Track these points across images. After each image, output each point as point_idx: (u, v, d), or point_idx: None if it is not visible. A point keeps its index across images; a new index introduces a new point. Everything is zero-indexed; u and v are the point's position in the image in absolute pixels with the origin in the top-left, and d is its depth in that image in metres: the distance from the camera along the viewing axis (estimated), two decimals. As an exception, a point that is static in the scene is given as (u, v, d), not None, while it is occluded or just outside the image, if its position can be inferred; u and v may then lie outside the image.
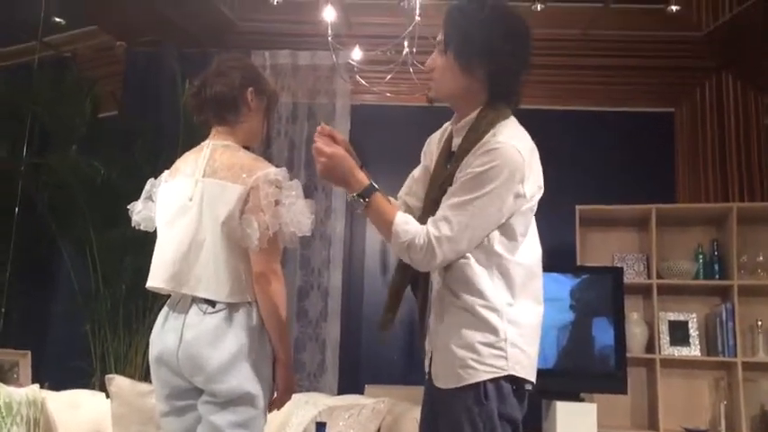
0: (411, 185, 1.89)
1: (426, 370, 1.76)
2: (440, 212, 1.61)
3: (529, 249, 1.70)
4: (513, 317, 1.63)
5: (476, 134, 1.65)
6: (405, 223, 1.62)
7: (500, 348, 1.60)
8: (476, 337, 1.61)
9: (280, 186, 1.89)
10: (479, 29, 1.64)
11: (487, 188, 1.57)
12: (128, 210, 2.14)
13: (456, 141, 1.74)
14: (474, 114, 1.69)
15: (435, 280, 1.73)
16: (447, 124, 1.85)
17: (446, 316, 1.67)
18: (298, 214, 1.89)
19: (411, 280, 1.79)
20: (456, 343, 1.63)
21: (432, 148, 1.88)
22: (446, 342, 1.65)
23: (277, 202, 1.87)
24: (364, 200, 1.63)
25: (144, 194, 2.12)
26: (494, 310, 1.62)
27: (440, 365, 1.68)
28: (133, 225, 2.11)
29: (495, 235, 1.64)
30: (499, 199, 1.59)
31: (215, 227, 1.87)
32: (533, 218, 1.72)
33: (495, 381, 1.60)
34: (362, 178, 1.66)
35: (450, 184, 1.65)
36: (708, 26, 4.34)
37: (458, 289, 1.65)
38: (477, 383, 1.59)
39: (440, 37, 1.71)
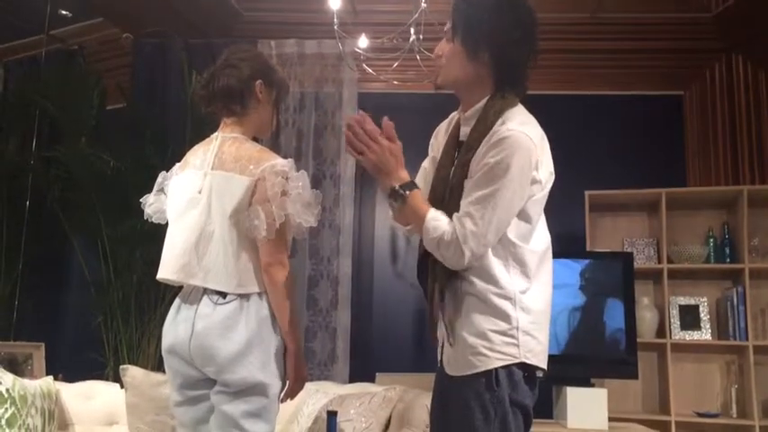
0: (425, 177, 1.87)
1: (439, 358, 1.76)
2: (462, 209, 1.62)
3: (540, 235, 1.71)
4: (525, 304, 1.63)
5: (484, 124, 1.66)
6: (435, 219, 1.62)
7: (512, 336, 1.61)
8: (488, 324, 1.61)
9: (286, 177, 1.90)
10: (487, 16, 1.66)
11: (505, 178, 1.58)
12: (138, 201, 2.17)
13: (464, 130, 1.74)
14: (482, 103, 1.70)
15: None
16: (454, 114, 1.84)
17: (459, 304, 1.67)
18: (304, 205, 1.90)
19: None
20: (468, 330, 1.63)
21: (439, 139, 1.88)
22: (458, 330, 1.66)
23: (284, 193, 1.88)
24: (405, 192, 1.64)
25: (156, 187, 2.14)
26: (507, 297, 1.62)
27: (452, 353, 1.68)
28: (145, 218, 2.13)
29: (512, 222, 1.65)
30: (519, 187, 1.60)
31: (223, 219, 1.89)
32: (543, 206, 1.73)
33: (506, 367, 1.60)
34: (406, 174, 1.67)
35: (463, 176, 1.65)
36: (717, 7, 4.29)
37: (471, 276, 1.64)
38: (489, 371, 1.60)
39: (448, 25, 1.72)
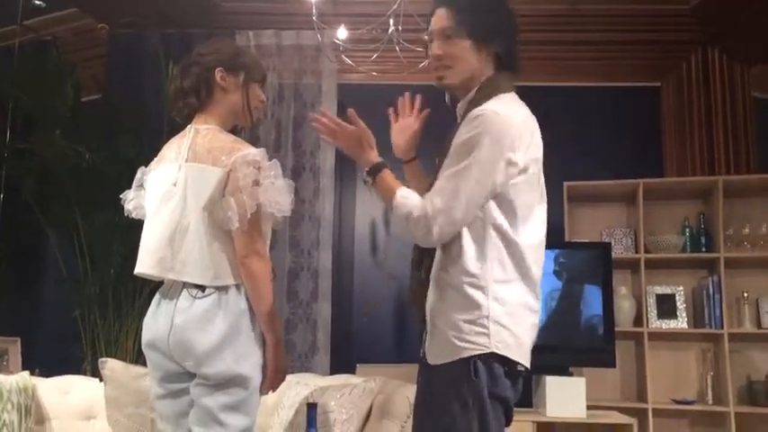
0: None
1: (422, 348, 1.77)
2: (433, 187, 1.63)
3: (532, 228, 1.68)
4: (500, 295, 1.61)
5: (472, 107, 1.67)
6: (404, 197, 1.64)
7: (482, 325, 1.59)
8: (459, 314, 1.61)
9: (258, 167, 1.88)
10: (488, 12, 1.72)
11: (474, 153, 1.58)
12: (114, 194, 2.16)
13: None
14: (473, 93, 1.73)
15: (435, 257, 1.72)
16: None
17: (438, 293, 1.67)
18: (277, 194, 1.89)
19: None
20: (443, 320, 1.64)
21: None
22: (435, 319, 1.67)
23: (255, 183, 1.86)
24: (373, 176, 1.70)
25: (135, 183, 2.14)
26: (479, 287, 1.61)
27: (431, 342, 1.69)
28: (126, 214, 2.12)
29: (492, 208, 1.62)
30: (489, 164, 1.58)
31: (198, 211, 1.87)
32: (537, 198, 1.70)
33: (484, 359, 1.58)
34: (374, 156, 1.73)
35: (444, 158, 1.66)
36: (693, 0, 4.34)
37: (448, 265, 1.65)
38: (467, 359, 1.58)
39: (446, 23, 1.72)
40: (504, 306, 1.62)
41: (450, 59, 1.72)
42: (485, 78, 1.73)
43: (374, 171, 1.70)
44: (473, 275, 1.61)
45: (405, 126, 1.91)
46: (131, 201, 2.11)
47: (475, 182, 1.58)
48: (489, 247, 1.62)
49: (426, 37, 1.78)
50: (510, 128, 1.60)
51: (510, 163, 1.60)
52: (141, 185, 2.11)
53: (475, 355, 1.59)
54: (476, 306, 1.60)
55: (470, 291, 1.61)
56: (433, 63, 1.75)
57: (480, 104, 1.64)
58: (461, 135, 1.61)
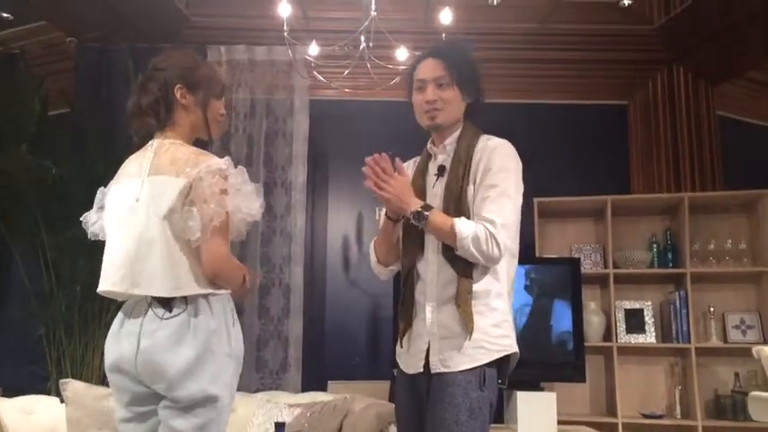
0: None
1: (422, 362, 1.87)
2: (483, 212, 1.82)
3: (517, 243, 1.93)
4: (507, 301, 1.91)
5: (467, 143, 1.94)
6: (463, 222, 1.81)
7: (506, 328, 1.87)
8: (487, 320, 1.84)
9: (224, 176, 1.86)
10: (474, 67, 2.00)
11: (511, 175, 1.87)
12: (81, 210, 2.10)
13: (442, 157, 1.98)
14: (458, 132, 1.99)
15: (431, 270, 1.90)
16: (410, 161, 2.08)
17: (451, 305, 1.84)
18: (245, 199, 1.87)
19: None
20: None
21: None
22: (453, 327, 1.83)
23: (222, 192, 1.84)
24: (427, 212, 1.84)
25: (96, 204, 2.07)
26: (500, 295, 1.88)
27: (447, 352, 1.83)
28: (90, 237, 2.06)
29: None
30: (520, 186, 1.90)
31: (160, 223, 1.84)
32: None
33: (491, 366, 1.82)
34: (417, 200, 1.89)
35: (462, 186, 1.88)
36: (660, 19, 4.44)
37: (471, 275, 1.84)
38: (481, 368, 1.80)
39: (440, 72, 1.95)
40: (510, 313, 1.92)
41: (442, 104, 1.96)
42: (462, 122, 2.00)
43: (426, 209, 1.84)
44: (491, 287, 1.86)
45: (405, 186, 1.90)
46: (95, 224, 2.05)
47: (516, 198, 1.88)
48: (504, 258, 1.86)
49: (416, 83, 1.99)
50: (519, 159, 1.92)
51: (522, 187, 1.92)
52: (102, 207, 2.06)
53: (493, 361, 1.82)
54: (502, 312, 1.87)
55: (493, 301, 1.85)
56: (424, 106, 1.97)
57: (469, 140, 1.94)
58: (491, 162, 1.87)
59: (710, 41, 4.25)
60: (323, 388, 3.62)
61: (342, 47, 3.53)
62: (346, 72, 3.57)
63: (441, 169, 1.97)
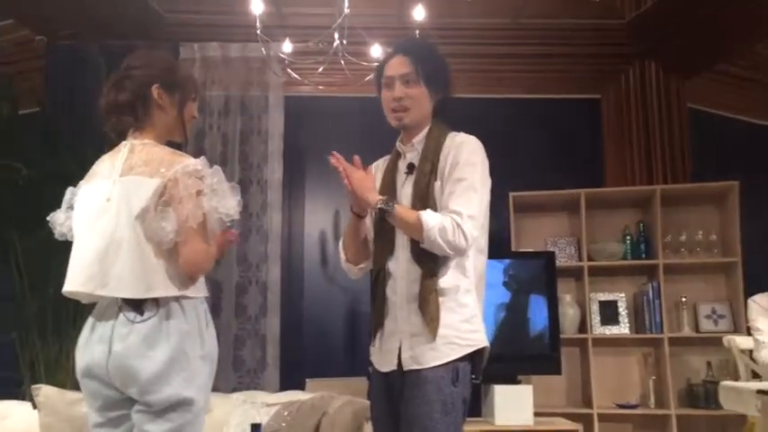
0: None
1: (395, 360, 1.87)
2: (450, 204, 1.83)
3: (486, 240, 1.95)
4: (476, 297, 1.91)
5: (436, 142, 1.94)
6: (428, 214, 1.82)
7: (475, 323, 1.87)
8: (456, 316, 1.84)
9: (200, 177, 1.85)
10: (442, 63, 2.00)
11: (478, 169, 1.88)
12: (52, 210, 2.06)
13: (411, 155, 1.99)
14: (426, 130, 1.99)
15: (401, 268, 1.90)
16: (380, 160, 2.09)
17: (422, 301, 1.85)
18: (222, 199, 1.86)
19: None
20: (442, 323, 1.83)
21: (378, 176, 2.07)
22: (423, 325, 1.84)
23: (198, 193, 1.83)
24: (390, 205, 1.85)
25: (65, 204, 2.04)
26: (468, 290, 1.88)
27: (418, 348, 1.83)
28: (58, 237, 2.03)
29: None
30: (487, 179, 1.91)
31: (131, 223, 1.81)
32: None
33: (463, 361, 1.83)
34: (378, 195, 1.90)
35: (429, 181, 1.89)
36: (631, 13, 4.48)
37: (437, 273, 1.85)
38: (454, 363, 1.80)
39: (406, 69, 1.96)
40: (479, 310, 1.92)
41: (409, 101, 1.96)
42: (430, 121, 2.00)
43: (390, 201, 1.86)
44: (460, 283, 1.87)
45: (369, 180, 1.93)
46: (63, 224, 2.02)
47: (483, 191, 1.88)
48: (472, 254, 1.89)
49: (384, 79, 1.99)
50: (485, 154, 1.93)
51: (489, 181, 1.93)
52: (71, 206, 2.03)
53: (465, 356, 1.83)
54: (470, 308, 1.87)
55: (462, 297, 1.86)
56: (392, 104, 1.97)
57: (437, 138, 1.94)
58: (458, 157, 1.88)
59: (681, 35, 4.31)
60: (301, 386, 3.62)
61: (316, 43, 3.53)
62: (321, 69, 3.56)
63: (410, 167, 1.98)
